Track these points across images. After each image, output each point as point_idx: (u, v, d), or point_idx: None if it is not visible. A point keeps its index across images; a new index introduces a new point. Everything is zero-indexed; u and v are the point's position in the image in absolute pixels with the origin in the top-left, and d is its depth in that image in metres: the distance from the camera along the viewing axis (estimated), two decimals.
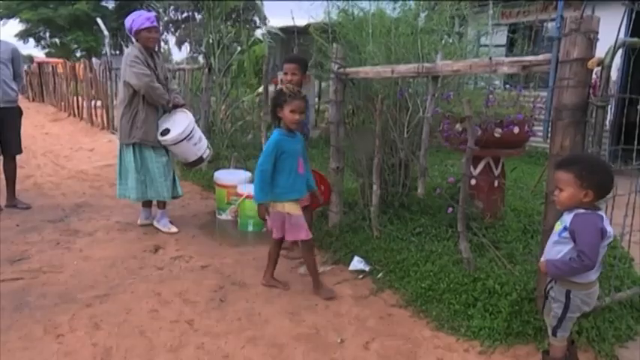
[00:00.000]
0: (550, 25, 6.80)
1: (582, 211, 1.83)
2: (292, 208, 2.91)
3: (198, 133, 4.09)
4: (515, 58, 2.52)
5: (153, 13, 3.95)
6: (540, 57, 2.40)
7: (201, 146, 4.10)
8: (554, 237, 1.92)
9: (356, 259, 3.29)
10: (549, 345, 2.07)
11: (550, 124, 2.36)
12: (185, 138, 3.91)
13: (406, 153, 3.89)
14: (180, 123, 3.93)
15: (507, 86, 4.27)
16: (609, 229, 1.83)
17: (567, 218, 1.86)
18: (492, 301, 2.57)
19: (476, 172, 3.55)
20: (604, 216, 1.86)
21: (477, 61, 2.78)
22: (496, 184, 3.60)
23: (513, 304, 2.49)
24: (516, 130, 3.29)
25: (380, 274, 3.17)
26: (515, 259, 3.01)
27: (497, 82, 5.22)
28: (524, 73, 2.72)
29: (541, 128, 2.96)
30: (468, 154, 2.86)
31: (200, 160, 4.13)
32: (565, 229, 1.85)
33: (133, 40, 3.91)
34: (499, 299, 2.56)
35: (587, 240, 1.77)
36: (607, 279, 2.66)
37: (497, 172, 3.61)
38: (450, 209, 3.46)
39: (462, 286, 2.74)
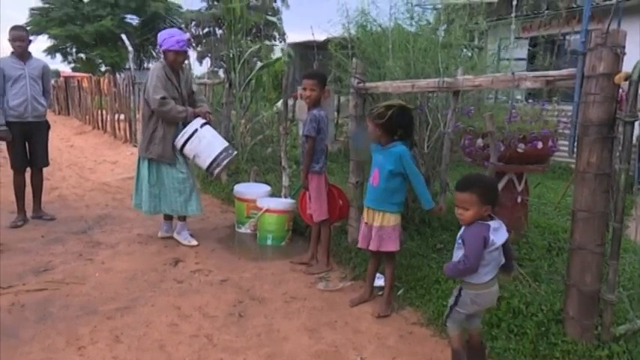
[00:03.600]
0: (574, 38, 6.71)
1: (477, 222, 2.07)
2: (363, 211, 3.01)
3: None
4: (539, 73, 2.48)
5: (185, 36, 3.98)
6: (565, 72, 2.36)
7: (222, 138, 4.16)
8: (456, 244, 2.19)
9: (376, 275, 3.24)
10: (450, 338, 2.25)
11: (576, 139, 2.31)
12: (207, 123, 3.97)
13: (427, 168, 3.86)
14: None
15: (530, 101, 4.20)
16: (494, 237, 2.05)
17: (463, 228, 2.14)
18: (517, 321, 2.50)
19: (498, 188, 3.49)
20: (493, 225, 2.07)
21: (498, 75, 2.75)
22: (519, 200, 3.53)
23: (539, 326, 2.42)
24: (540, 145, 3.24)
25: (400, 291, 3.13)
26: (540, 278, 2.94)
27: (519, 97, 5.17)
28: (547, 88, 2.68)
29: (565, 142, 2.90)
30: (490, 170, 2.82)
31: (228, 150, 4.00)
32: (460, 237, 2.13)
33: (161, 55, 4.00)
34: (524, 320, 2.49)
35: (471, 247, 2.05)
36: (638, 301, 2.57)
37: (520, 188, 3.55)
38: None
39: None
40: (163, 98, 3.82)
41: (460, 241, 2.13)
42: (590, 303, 2.34)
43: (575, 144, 2.31)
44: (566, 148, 2.58)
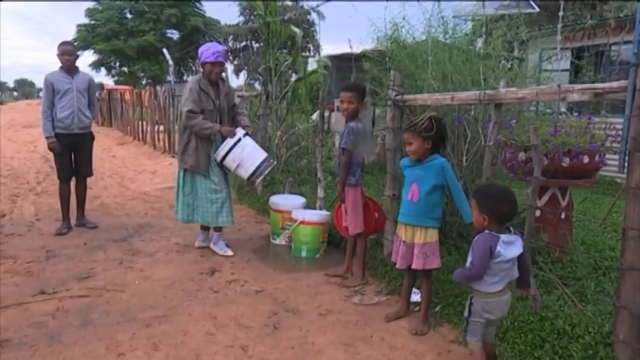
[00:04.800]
0: (624, 49, 6.45)
1: (486, 232, 2.16)
2: (399, 230, 2.93)
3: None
4: (587, 85, 2.40)
5: (222, 48, 4.10)
6: (615, 84, 2.27)
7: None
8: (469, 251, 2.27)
9: (413, 290, 3.18)
10: (470, 351, 2.31)
11: (627, 154, 2.21)
12: (247, 134, 4.06)
13: (465, 181, 3.77)
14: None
15: (574, 114, 4.06)
16: (502, 249, 2.11)
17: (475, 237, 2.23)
18: (562, 343, 2.39)
19: (541, 203, 3.37)
20: (504, 238, 2.13)
21: (544, 88, 2.67)
22: (563, 216, 3.40)
23: (587, 349, 2.30)
24: (586, 159, 3.12)
25: (438, 308, 3.05)
26: (587, 298, 2.81)
27: (563, 109, 5.01)
28: (595, 101, 2.58)
29: (612, 156, 2.78)
30: (534, 184, 2.73)
31: (270, 160, 4.10)
32: (471, 244, 2.23)
33: (200, 68, 4.11)
34: (570, 342, 2.38)
35: (476, 254, 2.15)
36: None
37: (564, 204, 3.42)
38: None
39: (527, 325, 2.58)
40: (190, 111, 3.91)
41: (471, 249, 2.23)
42: None
43: (626, 159, 2.21)
44: (613, 162, 2.47)
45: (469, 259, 2.21)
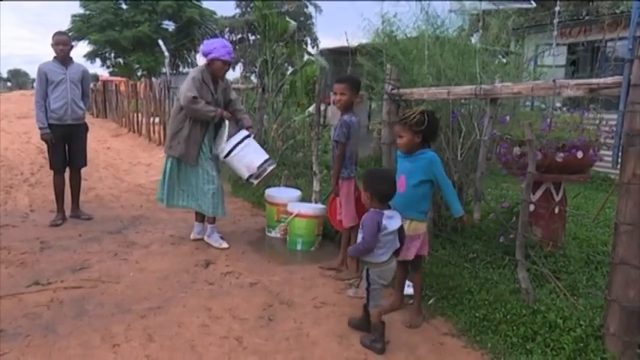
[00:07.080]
0: (619, 45, 6.46)
1: (372, 210, 2.52)
2: None
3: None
4: (582, 81, 2.41)
5: (230, 46, 4.13)
6: (610, 79, 2.28)
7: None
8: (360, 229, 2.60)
9: (406, 283, 3.20)
10: (370, 315, 2.62)
11: (620, 150, 2.23)
12: (249, 135, 4.12)
13: (460, 175, 3.79)
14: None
15: (564, 108, 4.08)
16: (387, 223, 2.47)
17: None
18: (554, 336, 2.42)
19: (535, 197, 3.40)
20: (387, 214, 2.50)
21: (539, 83, 2.68)
22: (557, 210, 3.43)
23: (577, 341, 2.33)
24: (580, 154, 3.14)
25: (431, 301, 3.08)
26: (578, 292, 2.84)
27: (558, 104, 5.03)
28: (590, 96, 2.59)
29: (606, 152, 2.81)
30: (528, 179, 2.74)
31: (271, 161, 4.16)
32: (361, 222, 2.56)
33: (202, 60, 4.08)
34: (561, 334, 2.41)
35: (366, 229, 2.48)
36: None
37: (558, 199, 3.44)
38: (502, 237, 3.33)
39: (519, 318, 2.61)
40: (195, 97, 3.91)
41: (361, 226, 2.54)
42: (633, 319, 2.24)
43: (620, 155, 2.23)
44: (607, 158, 2.50)
45: (360, 236, 2.53)
